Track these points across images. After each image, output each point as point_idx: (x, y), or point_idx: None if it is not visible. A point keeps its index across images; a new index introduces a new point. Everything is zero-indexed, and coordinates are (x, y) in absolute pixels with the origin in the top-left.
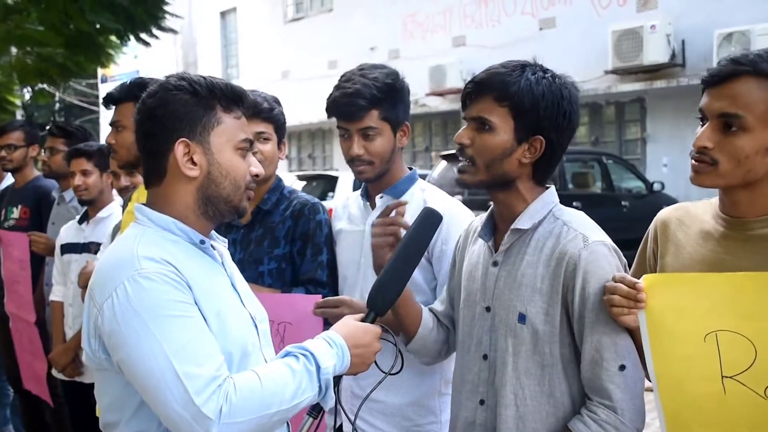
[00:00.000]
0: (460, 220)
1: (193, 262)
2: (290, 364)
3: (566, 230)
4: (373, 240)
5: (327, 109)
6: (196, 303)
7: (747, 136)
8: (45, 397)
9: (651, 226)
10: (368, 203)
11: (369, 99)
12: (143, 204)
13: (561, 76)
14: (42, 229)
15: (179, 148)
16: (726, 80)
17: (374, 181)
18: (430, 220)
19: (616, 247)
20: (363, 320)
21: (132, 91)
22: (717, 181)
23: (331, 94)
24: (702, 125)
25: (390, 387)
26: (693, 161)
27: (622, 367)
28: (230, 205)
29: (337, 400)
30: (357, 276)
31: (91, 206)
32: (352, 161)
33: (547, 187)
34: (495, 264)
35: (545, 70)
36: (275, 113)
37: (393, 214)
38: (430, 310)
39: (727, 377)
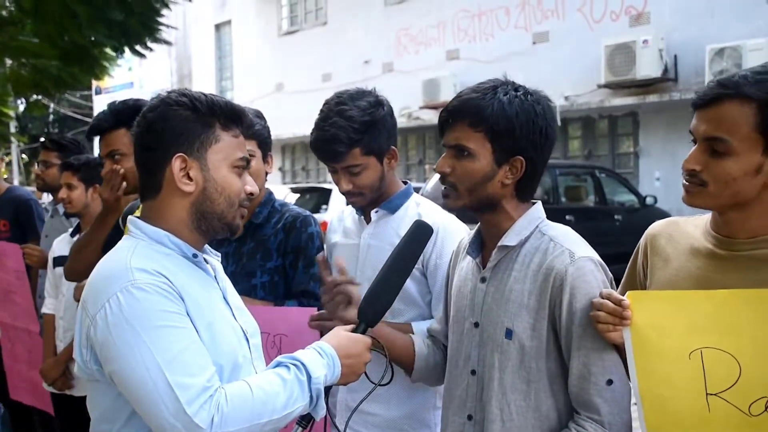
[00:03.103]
0: (454, 234)
1: (186, 275)
2: (281, 374)
3: (553, 246)
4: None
5: (311, 148)
6: (188, 314)
7: (732, 159)
8: (45, 407)
9: (641, 240)
10: (363, 217)
11: (347, 142)
12: (137, 217)
13: (534, 92)
14: (24, 238)
15: (176, 163)
16: (711, 103)
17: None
18: (421, 232)
19: (602, 262)
20: (353, 331)
21: (119, 117)
22: (707, 202)
23: (312, 133)
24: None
25: (385, 400)
26: (684, 182)
27: (610, 382)
28: (224, 221)
29: (328, 410)
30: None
31: (82, 219)
32: (343, 193)
33: (533, 203)
34: (483, 280)
35: (517, 88)
36: (257, 129)
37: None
38: (429, 331)
39: (711, 394)
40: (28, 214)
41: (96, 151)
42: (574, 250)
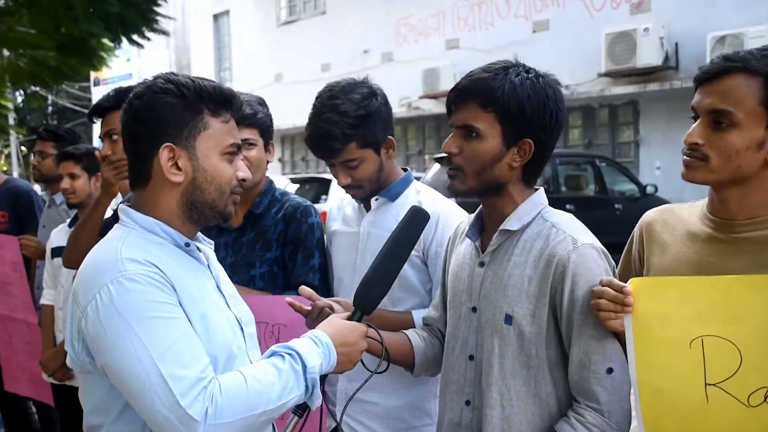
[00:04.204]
0: (455, 222)
1: (178, 264)
2: (276, 364)
3: (555, 232)
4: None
5: (306, 144)
6: (180, 305)
7: (737, 132)
8: (45, 399)
9: (636, 228)
10: (363, 205)
11: (342, 138)
12: (128, 206)
13: (545, 75)
14: (23, 230)
15: (164, 153)
16: (717, 77)
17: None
18: (417, 218)
19: (605, 250)
20: (349, 319)
21: (123, 98)
22: (708, 177)
23: (306, 129)
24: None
25: (385, 389)
26: (684, 157)
27: (610, 370)
28: (215, 210)
29: (325, 399)
30: (353, 278)
31: (81, 210)
32: (342, 187)
33: (536, 189)
34: (482, 264)
35: (528, 70)
36: (259, 117)
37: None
38: (424, 320)
39: (710, 385)
40: (28, 206)
41: (96, 142)
42: (576, 237)
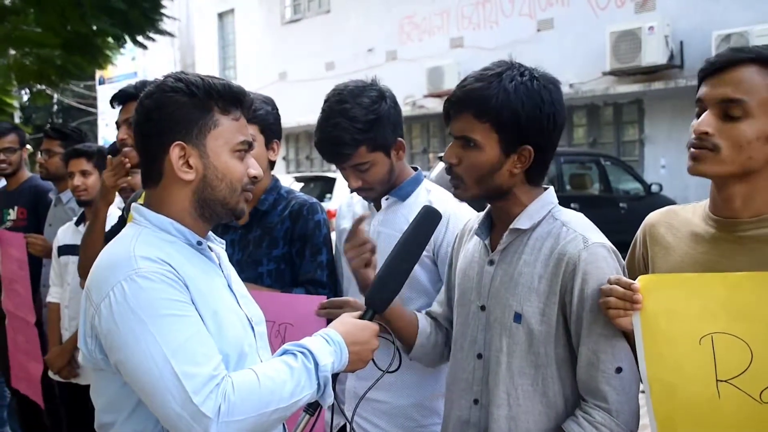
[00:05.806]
0: (465, 221)
1: (190, 262)
2: (288, 362)
3: (565, 231)
4: (351, 264)
5: (316, 148)
6: (193, 303)
7: (748, 122)
8: (36, 398)
9: (639, 231)
10: (373, 204)
11: (351, 143)
12: (141, 204)
13: (541, 76)
14: (41, 228)
15: (174, 152)
16: (727, 67)
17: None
18: (429, 218)
19: (615, 249)
20: (361, 318)
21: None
22: (717, 169)
23: (315, 134)
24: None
25: (394, 387)
26: (692, 149)
27: (619, 370)
28: (227, 207)
29: (336, 398)
30: None
31: (88, 207)
32: (353, 190)
33: (546, 188)
34: (491, 263)
35: (523, 73)
36: (259, 114)
37: (364, 226)
38: (428, 313)
39: (721, 381)
40: (47, 208)
41: (100, 141)
42: (587, 236)
